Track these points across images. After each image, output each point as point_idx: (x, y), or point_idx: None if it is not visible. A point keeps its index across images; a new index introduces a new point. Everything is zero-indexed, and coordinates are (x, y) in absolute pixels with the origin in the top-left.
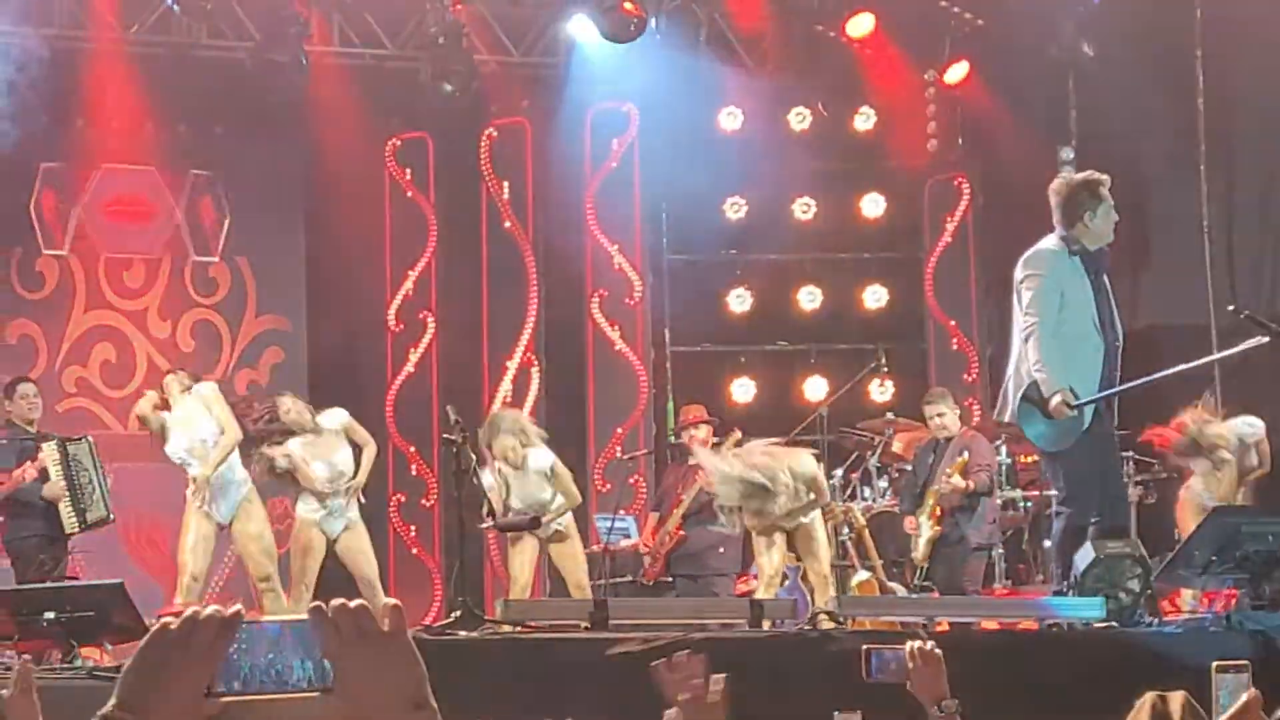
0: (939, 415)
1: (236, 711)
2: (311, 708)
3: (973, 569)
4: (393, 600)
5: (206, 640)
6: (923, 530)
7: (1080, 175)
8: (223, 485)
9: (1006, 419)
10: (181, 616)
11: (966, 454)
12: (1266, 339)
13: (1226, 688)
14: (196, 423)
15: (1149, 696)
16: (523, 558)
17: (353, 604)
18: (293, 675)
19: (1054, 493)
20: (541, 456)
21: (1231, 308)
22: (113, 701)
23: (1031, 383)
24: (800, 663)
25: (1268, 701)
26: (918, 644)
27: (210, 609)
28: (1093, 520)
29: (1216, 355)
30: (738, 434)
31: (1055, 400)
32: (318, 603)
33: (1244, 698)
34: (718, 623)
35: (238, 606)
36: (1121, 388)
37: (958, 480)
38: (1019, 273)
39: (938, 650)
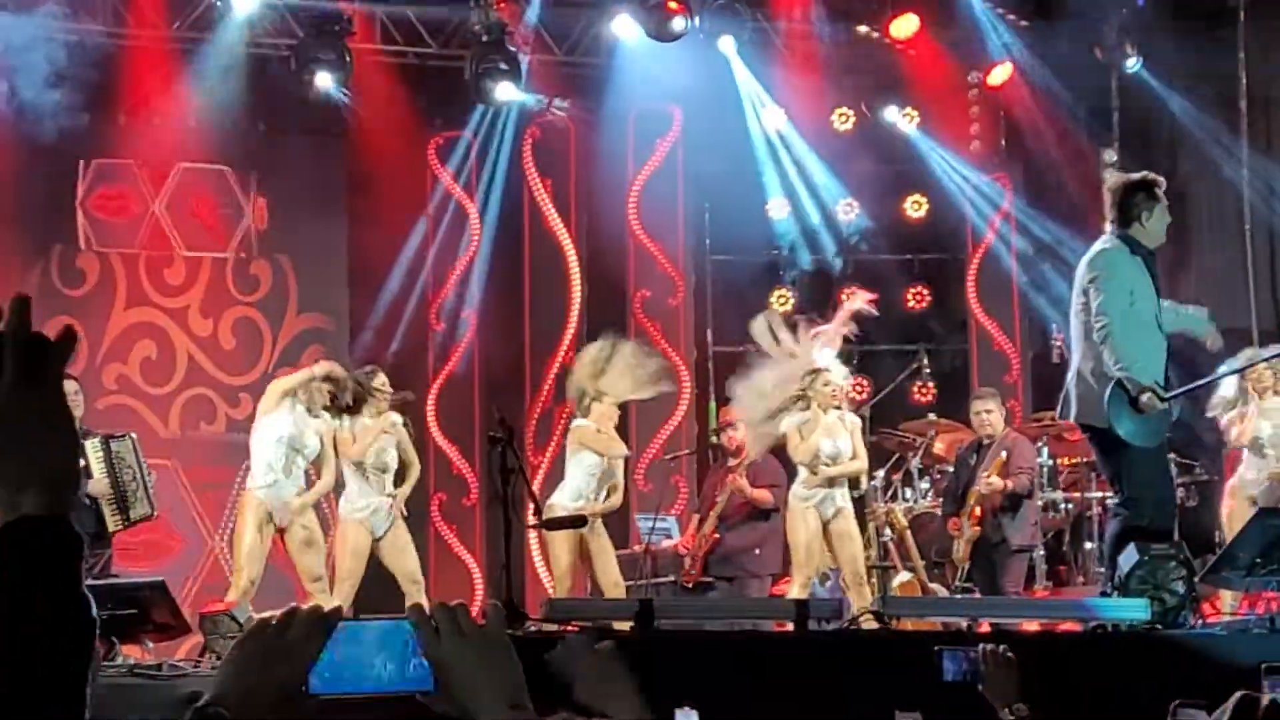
0: (986, 412)
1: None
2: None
3: (1014, 571)
4: (494, 601)
5: (302, 637)
6: (963, 531)
7: (1137, 175)
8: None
9: (1071, 418)
10: (281, 612)
11: (1005, 454)
12: None
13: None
14: (312, 440)
15: (1238, 695)
16: (563, 552)
17: (452, 603)
18: (389, 673)
19: (1098, 494)
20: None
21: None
22: (208, 695)
23: (1117, 381)
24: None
25: None
26: (991, 646)
27: (310, 605)
28: (1146, 523)
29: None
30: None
31: (1145, 396)
32: (417, 602)
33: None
34: (764, 622)
35: (338, 604)
36: (1216, 375)
37: (996, 481)
38: (1084, 273)
39: (1011, 654)
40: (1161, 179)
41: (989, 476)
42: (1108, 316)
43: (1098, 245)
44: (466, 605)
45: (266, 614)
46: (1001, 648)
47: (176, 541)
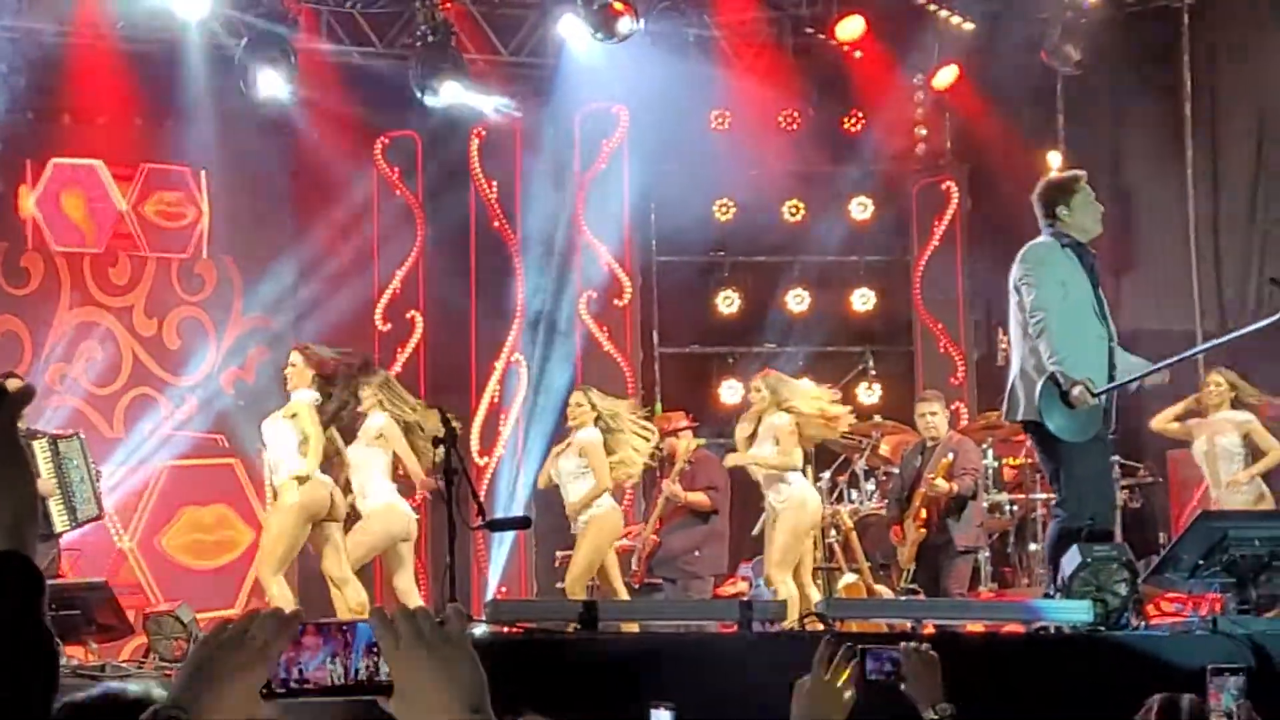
0: (930, 414)
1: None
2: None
3: (959, 572)
4: (456, 604)
5: (263, 639)
6: (908, 533)
7: (1054, 174)
8: None
9: (1018, 418)
10: (242, 614)
11: (951, 456)
12: None
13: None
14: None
15: (1157, 698)
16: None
17: (413, 607)
18: (350, 676)
19: (1042, 496)
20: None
21: (1271, 278)
22: (168, 697)
23: (1050, 375)
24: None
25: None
26: (913, 645)
27: (270, 609)
28: (1086, 523)
29: (1253, 326)
30: (693, 443)
31: (1076, 390)
32: (379, 605)
33: None
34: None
35: (297, 607)
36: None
37: (941, 484)
38: (1016, 270)
39: (934, 653)
40: (1079, 173)
41: (935, 479)
42: (1043, 310)
43: (1030, 243)
44: (428, 609)
45: (226, 616)
46: (924, 646)
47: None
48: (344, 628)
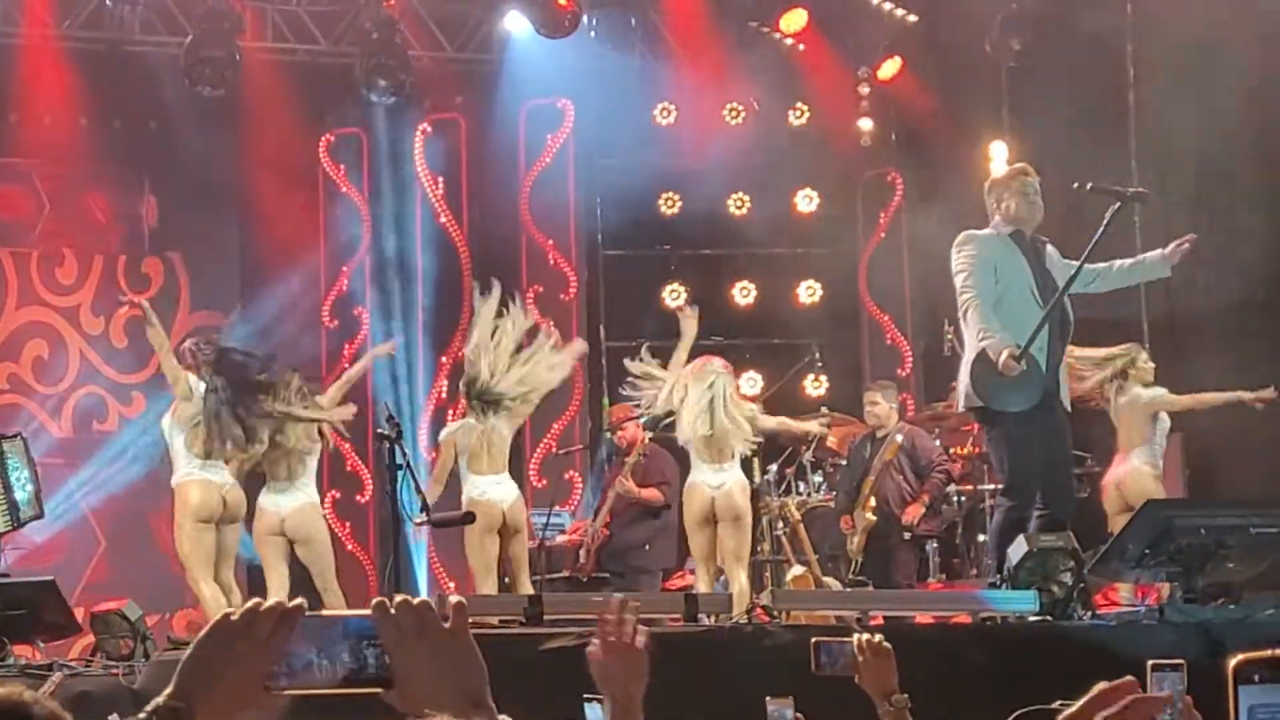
0: (872, 404)
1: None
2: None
3: (904, 561)
4: (457, 597)
5: (265, 631)
6: (858, 522)
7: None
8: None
9: (961, 407)
10: (244, 608)
11: (899, 438)
12: (1118, 204)
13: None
14: None
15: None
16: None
17: (416, 600)
18: (354, 670)
19: (990, 486)
20: None
21: (1076, 184)
22: (168, 690)
23: (981, 352)
24: (735, 656)
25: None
26: (866, 637)
27: (272, 601)
28: (1038, 513)
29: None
30: (646, 438)
31: (1003, 358)
32: (381, 597)
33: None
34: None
35: (300, 600)
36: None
37: (914, 510)
38: (953, 260)
39: (888, 644)
40: (1021, 166)
41: (910, 517)
42: (970, 290)
43: (963, 233)
44: (429, 601)
45: (229, 609)
46: (877, 638)
47: (64, 541)
48: (347, 620)
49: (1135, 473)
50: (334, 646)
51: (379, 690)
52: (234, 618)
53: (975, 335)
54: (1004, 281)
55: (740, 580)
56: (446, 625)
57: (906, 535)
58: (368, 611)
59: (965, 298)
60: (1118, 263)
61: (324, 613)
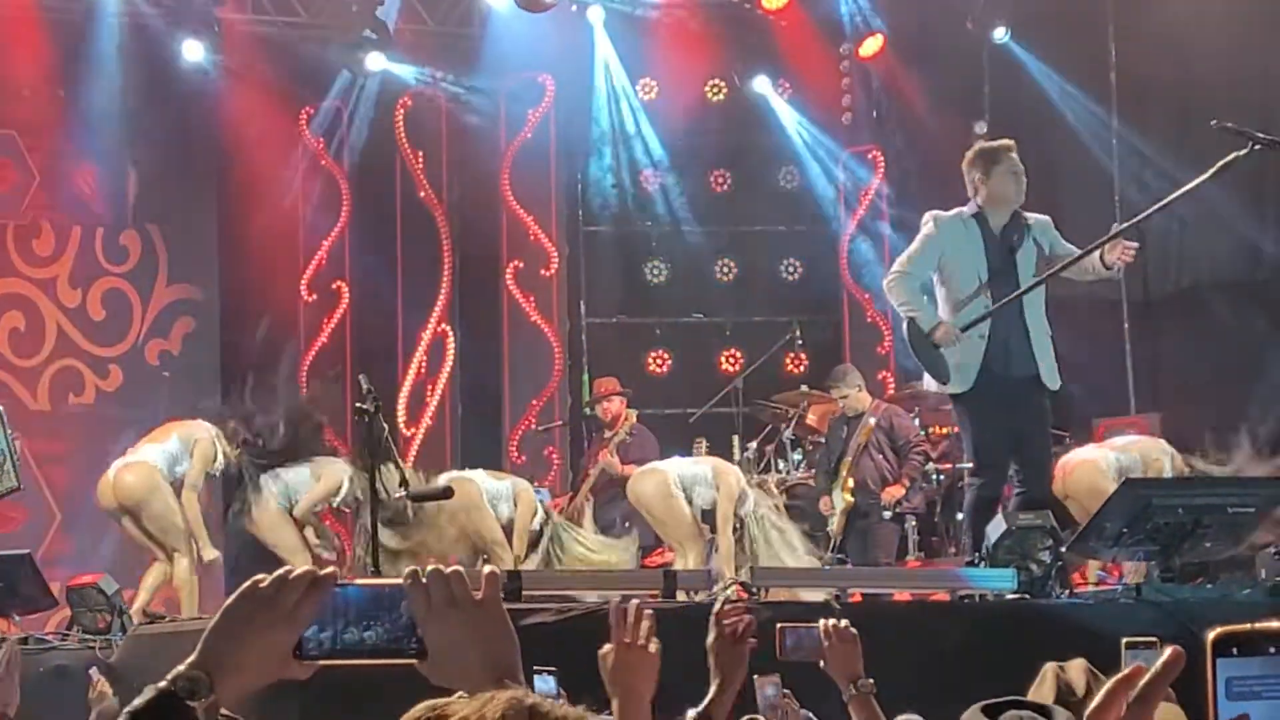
0: (843, 398)
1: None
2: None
3: (884, 539)
4: (490, 568)
5: (293, 599)
6: (837, 502)
7: (983, 144)
8: None
9: (934, 388)
10: (273, 575)
11: (873, 420)
12: (1244, 151)
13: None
14: None
15: (1049, 667)
16: None
17: (447, 570)
18: (385, 638)
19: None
20: None
21: (1214, 122)
22: (191, 658)
23: (909, 321)
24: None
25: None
26: (833, 622)
27: (303, 569)
28: (1016, 491)
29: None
30: (634, 417)
31: (939, 332)
32: (414, 568)
33: (1166, 653)
34: (633, 593)
35: (331, 569)
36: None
37: (896, 491)
38: None
39: (853, 629)
40: (1002, 143)
41: (890, 497)
42: (899, 266)
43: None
44: (462, 574)
45: (259, 576)
46: (844, 623)
47: (20, 514)
48: (380, 589)
49: (1086, 464)
50: (366, 616)
51: (413, 661)
52: (263, 585)
53: (896, 304)
54: (949, 266)
55: (728, 536)
56: (478, 596)
57: (887, 514)
58: (400, 581)
59: (895, 268)
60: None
61: (359, 580)
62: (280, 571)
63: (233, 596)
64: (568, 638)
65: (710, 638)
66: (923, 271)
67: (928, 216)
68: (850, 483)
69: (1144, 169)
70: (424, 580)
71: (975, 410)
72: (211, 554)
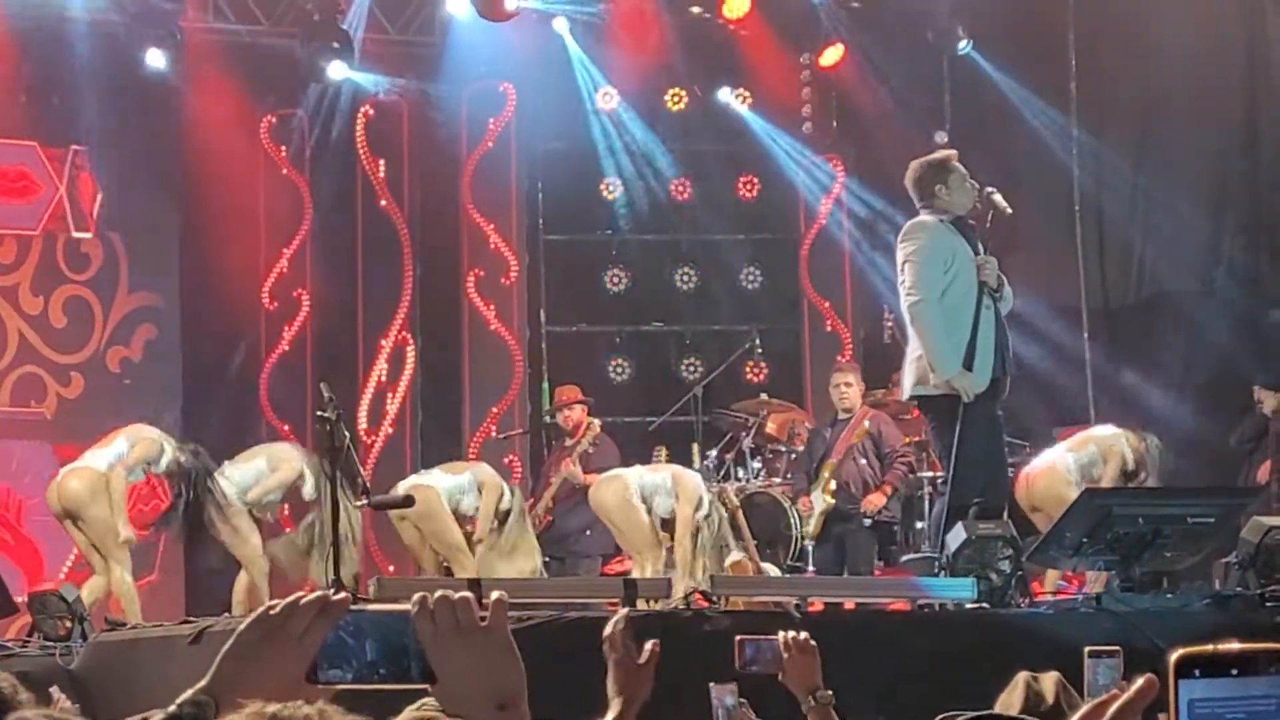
0: (845, 385)
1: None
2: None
3: (863, 544)
4: (500, 594)
5: (302, 626)
6: (816, 503)
7: (928, 156)
8: None
9: (906, 395)
10: (284, 601)
11: (867, 423)
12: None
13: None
14: None
15: (1022, 676)
16: None
17: (455, 595)
18: (396, 663)
19: (929, 474)
20: None
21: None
22: (202, 683)
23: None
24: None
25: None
26: (792, 635)
27: (315, 594)
28: (975, 501)
29: None
30: (597, 426)
31: (963, 383)
32: (422, 593)
33: (1140, 681)
34: (593, 602)
35: (344, 594)
36: None
37: (875, 499)
38: (899, 247)
39: (812, 641)
40: (951, 153)
41: (871, 505)
42: (917, 294)
43: (912, 220)
44: (470, 600)
45: (272, 602)
46: (803, 635)
47: None
48: (389, 615)
49: (1051, 473)
50: (375, 642)
51: (425, 686)
52: (274, 611)
53: (918, 346)
54: (953, 271)
55: (684, 544)
56: (484, 623)
57: (867, 521)
58: (409, 608)
59: (914, 298)
60: None
61: (369, 607)
62: (291, 597)
63: (244, 622)
64: (524, 645)
65: (611, 659)
66: (935, 288)
67: (913, 226)
68: (832, 485)
69: (1103, 178)
70: (430, 607)
71: (977, 425)
72: (127, 533)
